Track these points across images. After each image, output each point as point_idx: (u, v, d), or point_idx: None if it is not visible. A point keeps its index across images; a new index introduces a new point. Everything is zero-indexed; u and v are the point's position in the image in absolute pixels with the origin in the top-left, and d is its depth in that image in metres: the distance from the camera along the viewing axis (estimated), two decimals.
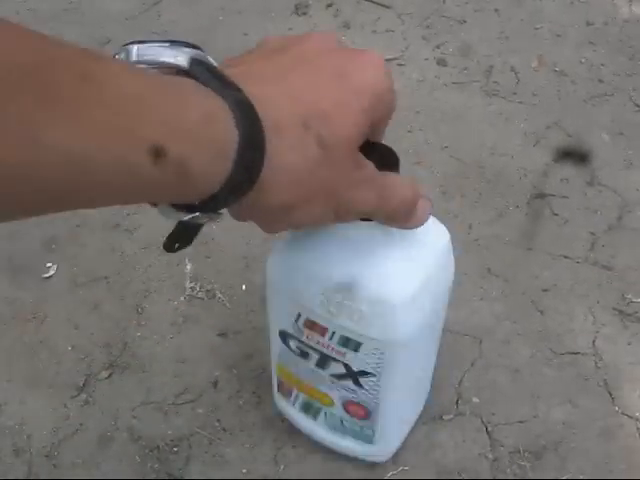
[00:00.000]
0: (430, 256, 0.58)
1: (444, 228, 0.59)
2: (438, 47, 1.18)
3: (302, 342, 0.63)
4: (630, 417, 0.78)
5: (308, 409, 0.72)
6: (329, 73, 0.42)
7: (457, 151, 1.03)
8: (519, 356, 0.83)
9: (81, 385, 0.84)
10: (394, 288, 0.56)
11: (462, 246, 0.93)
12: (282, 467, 0.76)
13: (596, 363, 0.82)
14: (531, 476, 0.74)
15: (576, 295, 0.87)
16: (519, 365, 0.82)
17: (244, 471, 0.77)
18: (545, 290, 0.88)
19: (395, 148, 0.64)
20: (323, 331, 0.60)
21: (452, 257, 0.61)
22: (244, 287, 0.91)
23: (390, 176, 0.46)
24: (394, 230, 0.51)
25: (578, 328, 0.84)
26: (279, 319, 0.64)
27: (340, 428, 0.71)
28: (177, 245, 0.45)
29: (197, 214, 0.39)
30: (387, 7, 1.25)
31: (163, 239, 0.44)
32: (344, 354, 0.61)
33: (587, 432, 0.77)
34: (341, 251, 0.55)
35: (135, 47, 0.39)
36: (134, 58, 0.39)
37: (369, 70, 0.43)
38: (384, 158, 0.48)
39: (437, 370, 0.80)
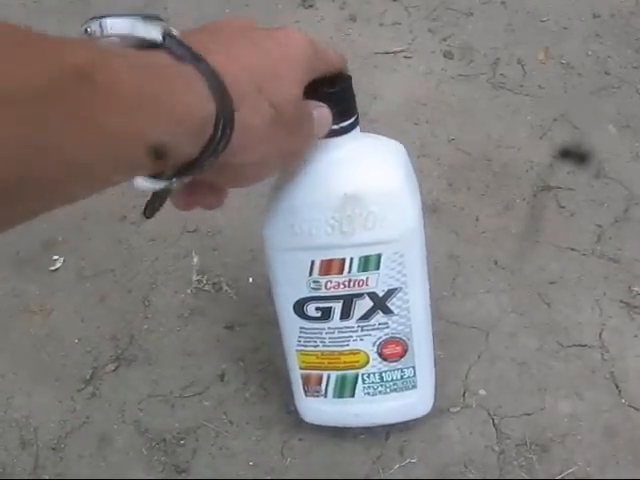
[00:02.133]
0: (401, 153, 0.64)
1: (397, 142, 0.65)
2: (444, 40, 1.17)
3: (322, 297, 0.64)
4: (637, 409, 0.77)
5: (343, 387, 0.72)
6: (263, 44, 0.46)
7: (464, 144, 1.03)
8: (526, 348, 0.83)
9: (88, 378, 0.84)
10: (389, 179, 0.61)
11: (469, 238, 0.93)
12: (289, 460, 0.77)
13: (603, 355, 0.81)
14: (537, 468, 0.74)
15: (583, 287, 0.87)
16: (526, 357, 0.82)
17: (251, 464, 0.77)
18: (552, 282, 0.88)
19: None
20: (341, 266, 0.63)
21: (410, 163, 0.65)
22: (251, 280, 0.91)
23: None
24: (357, 140, 0.59)
25: (585, 320, 0.84)
26: (291, 288, 0.65)
27: (381, 388, 0.71)
28: (155, 211, 0.47)
29: (173, 180, 0.42)
30: (394, 0, 1.24)
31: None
32: (366, 280, 0.64)
33: (594, 424, 0.76)
34: (328, 174, 0.59)
35: (109, 20, 0.40)
36: (108, 31, 0.40)
37: (293, 39, 0.48)
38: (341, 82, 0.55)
39: (443, 363, 0.80)
